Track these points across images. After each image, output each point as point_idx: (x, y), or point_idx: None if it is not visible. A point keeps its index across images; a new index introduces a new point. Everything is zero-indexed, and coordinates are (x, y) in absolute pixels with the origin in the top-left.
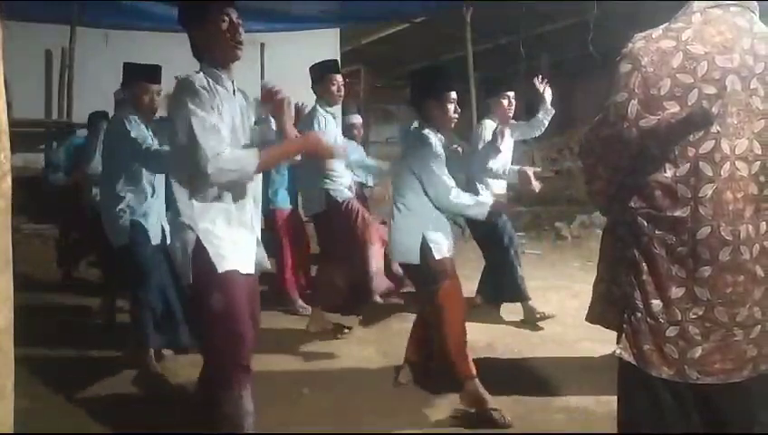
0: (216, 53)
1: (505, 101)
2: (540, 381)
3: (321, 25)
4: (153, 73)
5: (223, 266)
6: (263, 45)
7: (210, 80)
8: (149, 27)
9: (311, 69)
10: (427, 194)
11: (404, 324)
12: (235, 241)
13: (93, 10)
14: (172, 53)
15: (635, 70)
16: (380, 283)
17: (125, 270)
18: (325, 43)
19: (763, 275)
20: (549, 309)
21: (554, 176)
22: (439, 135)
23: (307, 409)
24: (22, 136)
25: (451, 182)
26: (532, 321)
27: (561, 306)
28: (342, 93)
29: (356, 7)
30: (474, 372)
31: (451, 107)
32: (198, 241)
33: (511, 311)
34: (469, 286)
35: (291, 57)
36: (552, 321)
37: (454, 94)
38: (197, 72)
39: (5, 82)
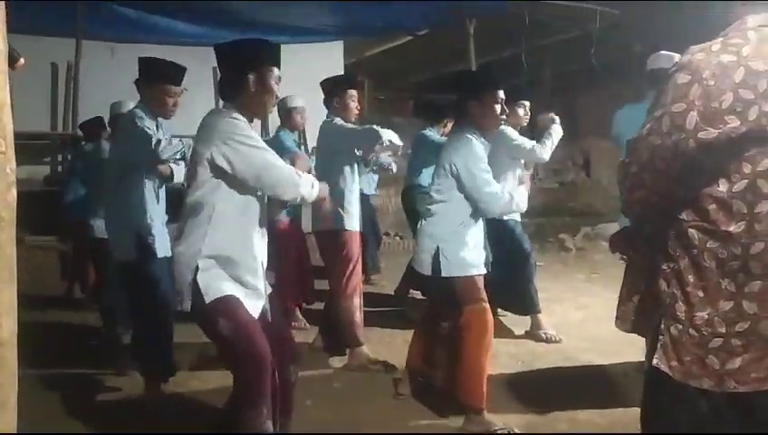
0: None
1: (521, 110)
2: (544, 392)
3: (325, 38)
4: (177, 74)
5: (222, 291)
6: None
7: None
8: (155, 41)
9: (323, 83)
10: (466, 198)
11: (408, 336)
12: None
13: (99, 24)
14: None
15: (695, 82)
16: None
17: (130, 288)
18: (329, 56)
19: None
20: (554, 320)
21: (558, 187)
22: (482, 139)
23: (310, 420)
24: (27, 149)
25: (492, 180)
26: (537, 336)
27: (565, 318)
28: (358, 109)
29: (359, 20)
30: (483, 405)
31: (497, 107)
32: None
33: (514, 321)
34: None
35: (295, 70)
36: (555, 331)
37: (501, 93)
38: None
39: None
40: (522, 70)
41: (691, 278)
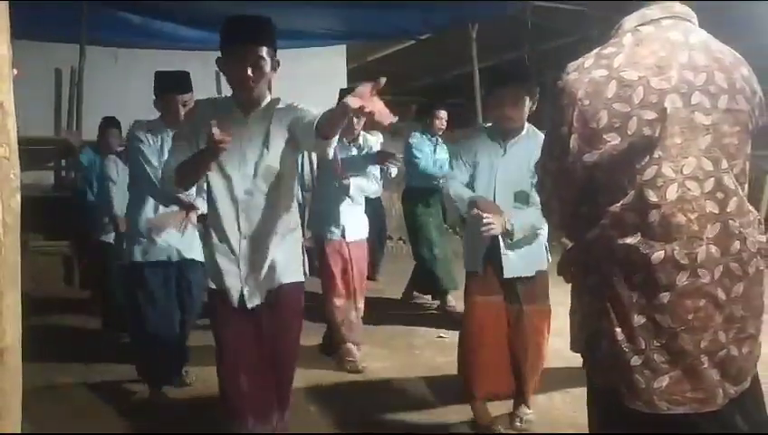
0: None
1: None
2: (544, 394)
3: (327, 43)
4: (181, 82)
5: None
6: None
7: None
8: (159, 46)
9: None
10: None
11: (413, 340)
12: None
13: (103, 29)
14: None
15: (570, 104)
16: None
17: (132, 291)
18: (332, 61)
19: (725, 298)
20: (557, 323)
21: None
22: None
23: (313, 426)
24: (31, 154)
25: None
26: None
27: (567, 322)
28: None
29: (362, 25)
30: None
31: (503, 107)
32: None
33: None
34: None
35: (298, 74)
36: (557, 335)
37: (506, 93)
38: None
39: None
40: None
41: (607, 293)
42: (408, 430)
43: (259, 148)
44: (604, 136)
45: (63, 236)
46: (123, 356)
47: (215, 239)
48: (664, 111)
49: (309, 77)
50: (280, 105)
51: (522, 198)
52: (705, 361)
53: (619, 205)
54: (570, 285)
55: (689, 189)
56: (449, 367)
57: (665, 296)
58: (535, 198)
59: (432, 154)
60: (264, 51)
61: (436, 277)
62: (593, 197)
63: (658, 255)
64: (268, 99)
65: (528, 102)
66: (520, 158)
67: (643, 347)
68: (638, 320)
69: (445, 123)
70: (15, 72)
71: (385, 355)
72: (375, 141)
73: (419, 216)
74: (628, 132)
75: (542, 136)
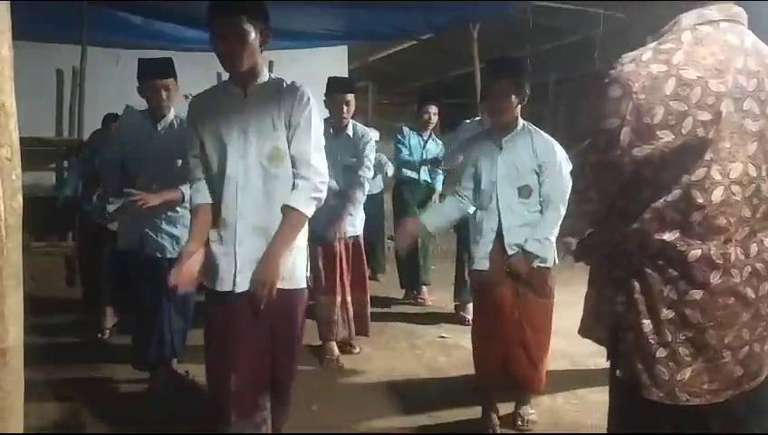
0: None
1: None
2: (549, 396)
3: (329, 43)
4: (161, 67)
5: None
6: (271, 63)
7: None
8: (160, 46)
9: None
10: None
11: (414, 340)
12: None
13: (104, 30)
14: (183, 73)
15: (626, 96)
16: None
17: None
18: (333, 61)
19: (754, 297)
20: (562, 325)
21: None
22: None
23: (316, 426)
24: (32, 155)
25: None
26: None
27: (571, 322)
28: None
29: (363, 25)
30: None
31: (489, 100)
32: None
33: None
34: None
35: (300, 74)
36: (560, 336)
37: (492, 87)
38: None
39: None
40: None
41: (636, 286)
42: (411, 430)
43: (264, 126)
44: (657, 132)
45: (65, 237)
46: (124, 357)
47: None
48: (719, 115)
49: (310, 77)
50: (285, 86)
51: (525, 193)
52: (727, 356)
53: (662, 201)
54: (568, 284)
55: (733, 194)
56: (451, 367)
57: (697, 293)
58: (539, 192)
59: (421, 147)
60: (243, 21)
61: (416, 268)
62: (634, 191)
63: (695, 253)
64: (266, 76)
65: (515, 98)
66: (518, 153)
67: (669, 340)
68: (667, 314)
69: (435, 118)
70: None
71: (387, 356)
72: (369, 132)
73: (404, 206)
74: (683, 131)
75: (540, 133)
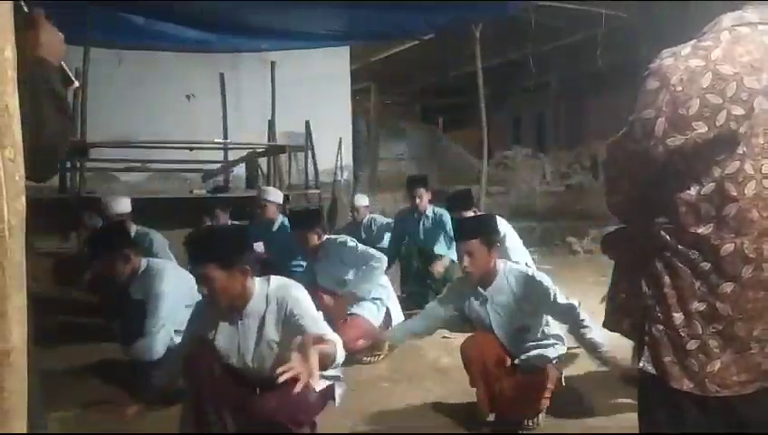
0: None
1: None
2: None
3: (331, 43)
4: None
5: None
6: (273, 63)
7: None
8: (163, 48)
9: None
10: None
11: (417, 341)
12: None
13: (106, 31)
14: (185, 73)
15: (663, 87)
16: None
17: None
18: (336, 61)
19: None
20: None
21: (565, 190)
22: None
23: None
24: None
25: None
26: None
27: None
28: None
29: (365, 26)
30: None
31: (462, 261)
32: None
33: None
34: None
35: (302, 75)
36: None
37: (461, 247)
38: None
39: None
40: (528, 72)
41: (667, 279)
42: (414, 431)
43: (263, 345)
44: (692, 123)
45: (67, 238)
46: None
47: None
48: (752, 110)
49: (312, 78)
50: (270, 294)
51: (524, 331)
52: (755, 348)
53: (694, 194)
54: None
55: (765, 188)
56: (455, 368)
57: (728, 286)
58: (538, 328)
59: (418, 226)
60: (211, 269)
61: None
62: (666, 183)
63: (728, 247)
64: (256, 295)
65: (486, 252)
66: (505, 300)
67: (700, 332)
68: (698, 306)
69: (425, 201)
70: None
71: (390, 355)
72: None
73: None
74: (716, 124)
75: (521, 272)
